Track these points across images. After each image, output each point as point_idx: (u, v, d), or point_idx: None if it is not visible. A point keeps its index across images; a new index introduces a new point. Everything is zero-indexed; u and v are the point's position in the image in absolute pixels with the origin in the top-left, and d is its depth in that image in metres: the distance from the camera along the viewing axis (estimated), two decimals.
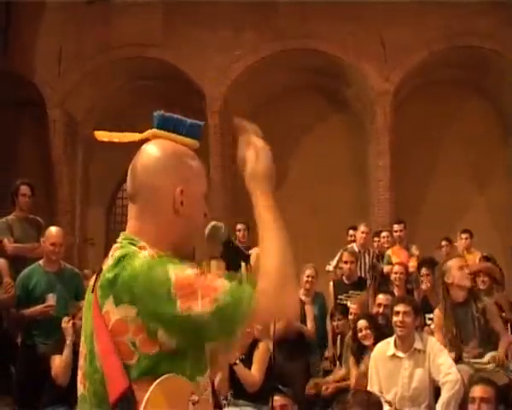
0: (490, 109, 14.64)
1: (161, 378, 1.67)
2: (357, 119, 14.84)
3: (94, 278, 1.86)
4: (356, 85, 14.30)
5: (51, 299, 6.53)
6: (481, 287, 8.05)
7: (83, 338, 1.86)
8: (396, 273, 8.51)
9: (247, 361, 6.06)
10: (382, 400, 5.63)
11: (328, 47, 13.63)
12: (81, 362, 1.86)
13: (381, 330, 6.61)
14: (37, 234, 7.57)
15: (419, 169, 14.18)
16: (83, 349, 1.85)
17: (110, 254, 1.85)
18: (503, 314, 7.17)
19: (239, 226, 9.99)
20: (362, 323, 6.71)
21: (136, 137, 1.96)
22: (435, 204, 13.98)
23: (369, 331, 6.60)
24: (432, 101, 14.20)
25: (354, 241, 10.13)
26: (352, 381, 6.69)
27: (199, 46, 13.63)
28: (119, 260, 1.76)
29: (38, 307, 6.54)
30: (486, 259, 9.24)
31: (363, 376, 6.41)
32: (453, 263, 6.58)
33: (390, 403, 5.77)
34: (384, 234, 10.39)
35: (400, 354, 5.92)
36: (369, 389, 5.94)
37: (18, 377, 6.60)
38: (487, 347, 6.42)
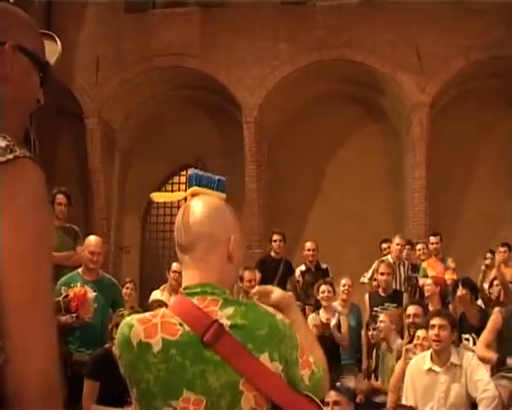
0: None
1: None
2: (393, 129, 14.77)
3: (176, 328, 1.99)
4: (392, 96, 14.24)
5: (91, 291, 6.61)
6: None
7: (190, 395, 1.94)
8: (429, 286, 8.46)
9: None
10: None
11: (364, 57, 13.60)
12: None
13: None
14: (73, 242, 7.66)
15: (455, 181, 14.05)
16: (192, 406, 1.93)
17: (211, 305, 2.01)
18: None
19: (275, 237, 9.97)
20: (421, 333, 6.58)
21: (182, 195, 2.22)
22: (471, 217, 13.84)
23: (426, 343, 6.48)
24: (469, 112, 14.07)
25: (387, 253, 10.07)
26: (390, 396, 6.63)
27: (235, 56, 13.70)
28: (263, 318, 2.02)
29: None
30: None
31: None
32: None
33: None
34: (420, 246, 10.32)
35: (436, 368, 5.86)
36: (404, 403, 5.89)
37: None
38: None
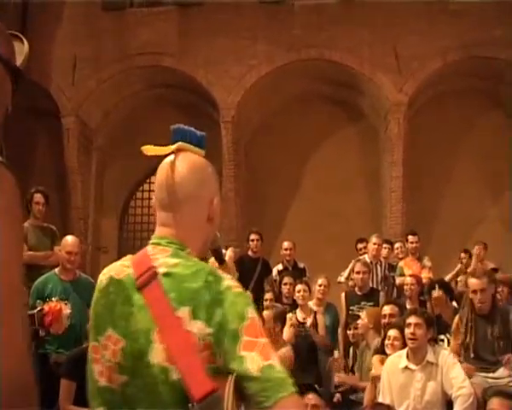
0: (504, 120, 14.57)
1: (232, 378, 1.76)
2: (371, 129, 14.83)
3: (130, 271, 1.94)
4: (370, 96, 14.30)
5: (67, 308, 6.56)
6: (499, 297, 8.01)
7: (115, 332, 1.88)
8: (408, 285, 8.50)
9: None
10: None
11: (342, 57, 13.65)
12: (106, 355, 1.89)
13: None
14: (50, 242, 7.63)
15: (432, 180, 14.14)
16: (111, 343, 1.88)
17: (158, 254, 1.95)
18: None
19: (252, 236, 9.96)
20: (392, 332, 6.62)
21: (169, 149, 2.09)
22: (448, 215, 13.94)
23: (397, 342, 6.51)
24: (446, 111, 14.18)
25: (364, 253, 10.12)
26: (367, 394, 6.66)
27: (213, 56, 13.68)
28: (201, 273, 1.87)
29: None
30: (495, 271, 9.20)
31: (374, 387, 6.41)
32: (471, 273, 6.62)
33: None
34: (397, 245, 10.37)
35: (412, 366, 5.89)
36: (380, 401, 5.92)
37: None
38: (498, 363, 6.42)
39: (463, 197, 13.95)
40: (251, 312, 1.83)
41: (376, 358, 6.73)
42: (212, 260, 2.55)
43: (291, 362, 7.00)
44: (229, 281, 1.87)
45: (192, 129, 2.14)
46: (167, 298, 1.83)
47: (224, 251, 2.51)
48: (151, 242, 2.04)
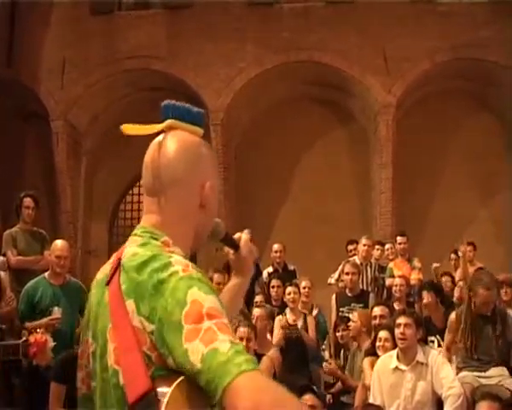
0: (493, 121, 14.64)
1: (181, 379, 1.51)
2: (360, 131, 14.86)
3: (108, 268, 1.76)
4: (359, 98, 14.33)
5: (57, 312, 6.54)
6: (504, 298, 8.03)
7: (89, 336, 1.74)
8: (397, 286, 8.53)
9: None
10: None
11: (331, 59, 13.67)
12: (84, 361, 1.76)
13: None
14: (40, 247, 7.61)
15: (422, 181, 14.18)
16: (88, 348, 1.73)
17: (129, 245, 1.77)
18: None
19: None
20: (383, 333, 6.64)
21: (155, 128, 1.87)
22: (438, 217, 13.99)
23: (388, 344, 6.52)
24: (435, 113, 14.23)
25: (354, 255, 10.14)
26: (358, 396, 6.68)
27: (202, 58, 13.68)
28: (149, 262, 1.63)
29: (44, 320, 6.54)
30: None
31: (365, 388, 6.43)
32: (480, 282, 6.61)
33: None
34: (388, 246, 10.40)
35: (403, 366, 5.92)
36: (371, 401, 5.94)
37: (21, 390, 6.60)
38: (492, 362, 6.45)
39: (453, 198, 14.00)
40: (192, 294, 1.54)
41: (367, 361, 6.74)
42: (227, 249, 2.27)
43: (279, 364, 6.99)
44: (177, 267, 1.60)
45: (186, 105, 1.91)
46: (121, 291, 1.64)
47: (238, 235, 2.22)
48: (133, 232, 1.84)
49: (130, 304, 1.60)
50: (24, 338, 6.27)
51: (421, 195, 14.16)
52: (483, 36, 13.16)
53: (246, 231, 2.25)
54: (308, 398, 5.47)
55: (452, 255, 10.40)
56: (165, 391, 1.50)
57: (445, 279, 9.32)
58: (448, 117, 14.29)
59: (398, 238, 10.28)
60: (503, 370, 6.41)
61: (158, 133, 1.87)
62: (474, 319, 6.52)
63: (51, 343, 6.26)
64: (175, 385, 1.50)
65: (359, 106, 14.64)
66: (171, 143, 1.84)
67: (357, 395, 6.70)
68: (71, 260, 7.35)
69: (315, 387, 6.47)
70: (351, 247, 10.59)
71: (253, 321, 6.98)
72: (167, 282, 1.56)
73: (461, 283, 8.81)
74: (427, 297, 7.68)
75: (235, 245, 2.20)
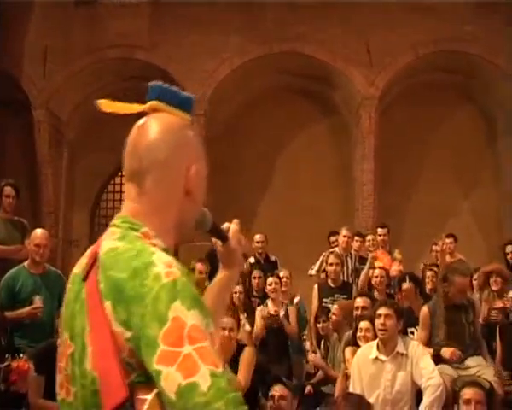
0: (476, 114, 14.72)
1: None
2: (343, 123, 14.89)
3: (85, 263, 1.62)
4: (342, 89, 14.35)
5: (38, 301, 6.50)
6: (494, 288, 8.08)
7: (67, 336, 1.58)
8: (377, 277, 8.55)
9: (234, 367, 5.94)
10: None
11: (314, 51, 13.68)
12: (63, 364, 1.60)
13: None
14: (21, 236, 7.55)
15: (404, 173, 14.24)
16: (66, 349, 1.58)
17: (107, 237, 1.62)
18: None
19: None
20: (364, 324, 6.67)
21: (136, 108, 1.73)
22: (420, 208, 14.05)
23: (369, 334, 6.55)
24: (417, 105, 14.27)
25: (336, 246, 10.16)
26: (338, 385, 6.71)
27: (185, 48, 13.63)
28: (130, 260, 1.49)
29: (26, 310, 6.51)
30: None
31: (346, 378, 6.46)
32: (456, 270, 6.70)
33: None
34: (369, 237, 10.42)
35: (383, 357, 5.95)
36: (351, 391, 5.97)
37: (2, 380, 6.56)
38: (469, 352, 6.52)
39: (435, 190, 14.07)
40: (175, 309, 1.40)
41: (349, 350, 6.77)
42: (215, 240, 2.08)
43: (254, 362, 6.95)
44: (161, 268, 1.46)
45: (175, 88, 1.78)
46: (98, 290, 1.50)
47: (226, 225, 2.07)
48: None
49: (108, 306, 1.46)
50: (6, 363, 6.19)
51: (402, 187, 14.21)
52: (466, 29, 13.22)
53: (235, 221, 2.06)
54: (277, 389, 5.50)
55: (433, 247, 10.45)
56: (143, 399, 1.42)
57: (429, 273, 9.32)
58: (430, 110, 14.33)
59: (379, 230, 10.31)
60: (479, 359, 6.50)
61: (141, 116, 1.74)
62: (447, 310, 6.59)
63: (33, 373, 6.14)
64: (154, 393, 1.41)
65: (342, 98, 14.66)
66: (153, 123, 1.70)
67: (337, 385, 6.74)
68: (52, 249, 7.32)
69: (286, 377, 6.50)
70: (333, 238, 10.60)
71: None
72: (149, 287, 1.43)
73: (429, 273, 8.88)
74: (407, 285, 7.75)
75: (223, 236, 2.06)
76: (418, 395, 5.90)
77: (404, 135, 14.24)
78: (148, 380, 1.41)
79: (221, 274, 2.07)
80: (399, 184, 14.15)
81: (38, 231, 6.89)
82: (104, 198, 15.89)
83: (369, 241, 10.32)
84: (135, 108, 1.73)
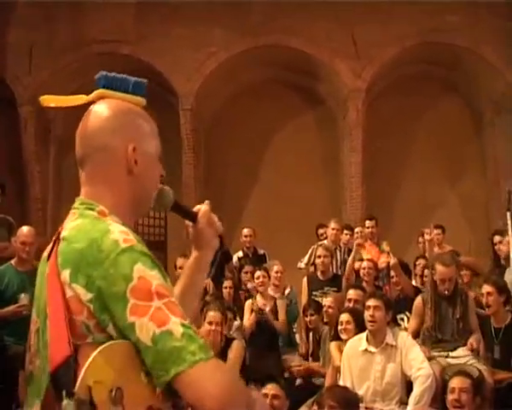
0: (462, 105, 14.74)
1: (106, 345, 1.52)
2: (329, 115, 14.88)
3: (50, 247, 1.73)
4: (329, 82, 14.34)
5: (24, 299, 6.49)
6: (464, 280, 8.15)
7: (35, 314, 1.71)
8: (364, 269, 8.55)
9: (222, 361, 5.94)
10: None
11: (300, 44, 13.65)
12: (32, 340, 1.70)
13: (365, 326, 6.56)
14: (7, 234, 7.55)
15: (391, 165, 14.26)
16: (34, 325, 1.70)
17: (68, 219, 1.75)
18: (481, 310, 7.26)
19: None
20: (344, 316, 6.68)
21: (82, 99, 1.85)
22: (407, 200, 14.08)
23: (350, 326, 6.56)
24: (404, 97, 14.28)
25: (324, 239, 10.17)
26: (328, 378, 6.72)
27: (171, 43, 13.57)
28: (88, 231, 1.62)
29: (11, 308, 6.50)
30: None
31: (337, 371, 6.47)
32: (438, 259, 6.77)
33: (361, 399, 5.82)
34: (357, 229, 10.43)
35: (372, 348, 5.97)
36: (341, 384, 5.98)
37: None
38: (460, 341, 6.56)
39: (422, 182, 14.11)
40: (138, 270, 1.53)
41: (333, 345, 6.79)
42: (187, 222, 2.09)
43: (243, 356, 6.94)
44: (118, 235, 1.58)
45: (122, 75, 1.86)
46: (56, 263, 1.61)
47: (197, 207, 2.08)
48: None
49: (64, 275, 1.57)
50: None
51: (390, 179, 14.23)
52: (451, 20, 13.22)
53: (206, 202, 2.11)
54: (270, 388, 5.51)
55: (420, 239, 10.47)
56: (88, 355, 1.49)
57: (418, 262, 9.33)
58: (417, 102, 14.36)
59: (367, 222, 10.32)
60: (468, 348, 6.54)
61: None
62: (436, 300, 6.62)
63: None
64: (97, 351, 1.50)
65: (329, 91, 14.65)
66: (98, 109, 1.80)
67: (327, 378, 6.75)
68: (40, 247, 7.28)
69: (278, 375, 6.50)
70: (321, 230, 10.62)
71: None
72: (106, 252, 1.55)
73: (421, 260, 8.93)
74: (393, 260, 7.87)
75: (191, 216, 2.07)
76: (408, 385, 5.92)
77: (392, 127, 14.25)
78: (105, 341, 1.53)
79: (192, 256, 2.12)
80: (387, 176, 14.17)
81: (24, 229, 6.88)
82: None
83: (358, 233, 10.33)
84: (80, 99, 1.84)
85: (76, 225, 1.67)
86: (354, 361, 6.02)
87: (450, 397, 5.27)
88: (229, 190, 14.34)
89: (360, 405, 5.70)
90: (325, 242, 9.83)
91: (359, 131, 13.68)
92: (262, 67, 14.35)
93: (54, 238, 1.71)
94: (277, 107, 14.66)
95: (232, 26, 13.68)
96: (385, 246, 10.01)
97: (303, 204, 13.95)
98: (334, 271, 9.33)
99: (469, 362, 6.36)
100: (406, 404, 5.82)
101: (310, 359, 7.87)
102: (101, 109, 1.79)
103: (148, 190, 1.84)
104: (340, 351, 6.43)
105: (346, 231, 10.13)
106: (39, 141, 14.33)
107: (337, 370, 6.41)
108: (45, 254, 1.74)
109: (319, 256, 8.78)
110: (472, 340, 6.55)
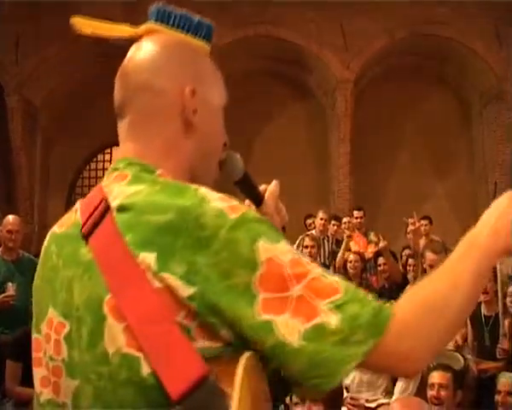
0: (450, 97, 14.80)
1: (245, 357, 1.07)
2: (318, 106, 14.89)
3: (76, 218, 1.26)
4: (317, 73, 14.35)
5: (11, 288, 6.46)
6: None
7: (53, 314, 1.20)
8: (351, 262, 8.58)
9: None
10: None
11: (289, 34, 13.64)
12: (48, 352, 1.21)
13: None
14: None
15: (380, 156, 14.28)
16: (53, 332, 1.20)
17: (113, 182, 1.24)
18: None
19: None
20: None
21: (127, 32, 1.39)
22: (395, 191, 14.12)
23: None
24: (393, 89, 14.30)
25: (312, 229, 10.17)
26: None
27: None
28: (172, 198, 1.13)
29: None
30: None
31: None
32: (428, 246, 6.82)
33: (347, 388, 5.85)
34: (345, 220, 10.44)
35: None
36: None
37: None
38: None
39: (410, 173, 14.15)
40: (264, 249, 1.08)
41: None
42: (248, 202, 1.60)
43: None
44: (219, 203, 1.13)
45: (186, 12, 1.40)
46: (123, 242, 1.11)
47: (263, 187, 1.63)
48: (108, 171, 1.31)
49: (145, 259, 1.08)
50: None
51: (378, 170, 14.27)
52: (440, 12, 13.24)
53: (274, 181, 1.62)
54: None
55: (408, 229, 10.49)
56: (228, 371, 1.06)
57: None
58: (406, 93, 14.38)
59: (355, 213, 10.31)
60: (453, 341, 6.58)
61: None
62: None
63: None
64: (242, 368, 1.06)
65: (317, 81, 14.66)
66: (147, 43, 1.34)
67: None
68: (27, 236, 7.27)
69: None
70: (309, 221, 10.63)
71: None
72: (213, 227, 1.09)
73: (407, 250, 8.96)
74: (382, 260, 7.92)
75: (257, 196, 1.61)
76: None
77: (380, 118, 14.29)
78: (215, 351, 1.09)
79: None
80: (375, 167, 14.20)
81: (10, 218, 6.85)
82: (79, 184, 15.78)
83: (345, 223, 10.34)
84: (125, 30, 1.39)
85: (142, 191, 1.16)
86: None
87: (429, 393, 5.28)
88: (218, 181, 14.31)
89: (346, 394, 5.73)
90: (313, 232, 9.83)
91: (347, 122, 13.70)
92: (251, 57, 14.34)
93: (89, 208, 1.23)
94: (266, 97, 14.64)
95: (220, 16, 13.60)
96: (372, 236, 10.04)
97: (291, 194, 13.80)
98: (322, 261, 9.33)
99: (454, 352, 6.40)
100: (392, 394, 5.84)
101: None
102: (152, 42, 1.33)
103: (212, 152, 1.39)
104: None
105: (333, 222, 10.12)
106: (26, 131, 14.27)
107: None
108: (63, 229, 1.29)
109: (306, 246, 8.77)
110: (457, 336, 6.60)
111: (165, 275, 1.06)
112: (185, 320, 1.07)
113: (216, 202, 1.12)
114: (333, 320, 1.06)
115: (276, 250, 1.09)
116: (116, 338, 1.08)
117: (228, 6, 13.57)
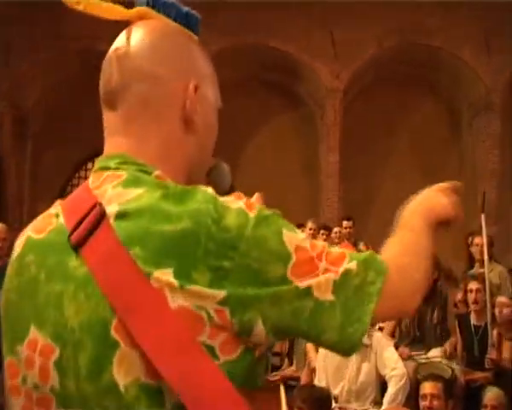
0: (440, 106, 14.85)
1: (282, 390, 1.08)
2: (308, 115, 14.90)
3: (59, 222, 1.14)
4: (307, 82, 14.37)
5: None
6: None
7: (38, 335, 1.05)
8: None
9: None
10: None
11: (279, 43, 13.66)
12: (29, 379, 1.06)
13: None
14: None
15: (369, 166, 14.30)
16: (35, 355, 1.04)
17: (106, 183, 1.11)
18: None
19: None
20: None
21: (118, 13, 1.27)
22: (385, 201, 14.10)
23: None
24: (382, 98, 14.33)
25: None
26: (303, 378, 6.74)
27: None
28: (183, 200, 1.03)
29: None
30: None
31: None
32: None
33: (336, 399, 5.84)
34: (336, 229, 10.45)
35: None
36: (316, 383, 5.99)
37: None
38: (435, 342, 6.61)
39: (400, 183, 14.11)
40: (290, 240, 1.06)
41: (310, 345, 6.80)
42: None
43: None
44: (232, 202, 1.07)
45: (174, 1, 1.28)
46: (128, 256, 0.98)
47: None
48: (94, 168, 1.19)
49: (161, 277, 0.97)
50: None
51: (367, 179, 14.28)
52: (430, 21, 13.30)
53: (257, 194, 1.50)
54: None
55: None
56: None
57: None
58: (395, 102, 14.42)
59: (344, 222, 10.33)
60: (443, 349, 6.60)
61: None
62: None
63: None
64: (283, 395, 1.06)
65: (307, 90, 14.68)
66: (142, 28, 1.23)
67: (302, 378, 6.77)
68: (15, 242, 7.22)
69: None
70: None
71: None
72: (237, 227, 1.03)
73: None
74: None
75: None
76: (383, 385, 5.96)
77: (369, 127, 14.31)
78: (242, 371, 1.02)
79: None
80: (365, 177, 14.22)
81: None
82: (69, 191, 15.70)
83: (335, 233, 10.35)
84: (116, 12, 1.27)
85: (143, 195, 1.04)
86: (329, 361, 6.03)
87: (422, 404, 5.29)
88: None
89: (334, 405, 5.72)
90: None
91: (337, 131, 13.72)
92: (240, 66, 14.34)
93: (86, 214, 1.07)
94: (255, 106, 14.65)
95: (210, 25, 13.62)
96: (362, 246, 10.05)
97: (280, 203, 13.76)
98: None
99: (443, 361, 6.42)
100: (381, 404, 5.84)
101: (286, 359, 7.86)
102: (150, 28, 1.22)
103: (208, 154, 1.32)
104: (317, 351, 6.45)
105: (322, 231, 10.12)
106: (16, 136, 14.23)
107: (313, 370, 6.44)
108: (43, 235, 1.16)
109: None
110: (447, 345, 6.62)
111: (191, 288, 0.97)
112: (209, 340, 0.98)
113: (231, 201, 1.07)
114: (352, 266, 1.09)
115: (298, 238, 1.08)
116: (132, 367, 0.97)
117: (217, 14, 13.58)
